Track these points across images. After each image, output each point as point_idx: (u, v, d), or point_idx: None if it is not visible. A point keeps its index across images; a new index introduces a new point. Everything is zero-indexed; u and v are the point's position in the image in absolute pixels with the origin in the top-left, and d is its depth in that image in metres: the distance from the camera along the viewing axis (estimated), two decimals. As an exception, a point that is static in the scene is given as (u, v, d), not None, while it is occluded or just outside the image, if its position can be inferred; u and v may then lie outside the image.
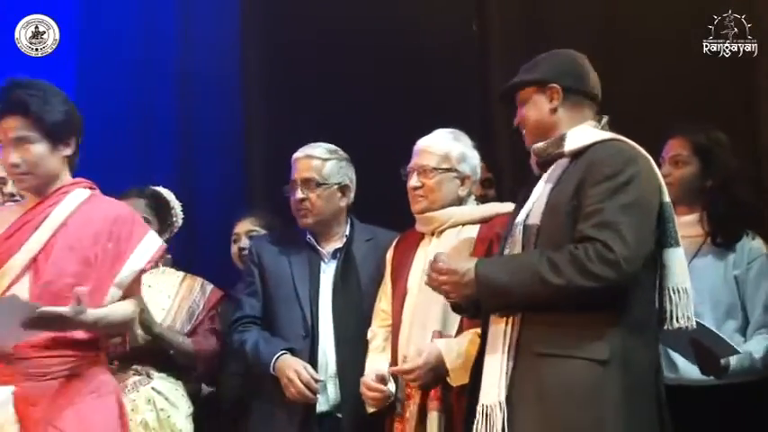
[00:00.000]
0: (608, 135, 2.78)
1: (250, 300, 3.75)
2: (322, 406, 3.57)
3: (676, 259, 2.67)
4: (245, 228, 4.30)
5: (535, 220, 2.77)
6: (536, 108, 2.87)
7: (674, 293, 2.64)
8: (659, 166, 3.43)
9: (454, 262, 2.77)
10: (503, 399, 2.66)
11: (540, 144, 2.86)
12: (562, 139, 2.81)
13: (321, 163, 3.74)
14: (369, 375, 3.42)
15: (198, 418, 3.85)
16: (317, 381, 3.51)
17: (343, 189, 3.77)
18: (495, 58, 4.65)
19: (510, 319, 2.72)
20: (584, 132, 2.79)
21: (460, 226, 3.40)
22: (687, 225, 3.48)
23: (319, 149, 3.77)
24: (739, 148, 4.01)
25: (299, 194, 3.71)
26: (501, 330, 2.73)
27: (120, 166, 4.90)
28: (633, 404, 2.57)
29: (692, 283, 3.22)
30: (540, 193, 2.80)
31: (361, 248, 3.74)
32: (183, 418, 3.73)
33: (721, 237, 3.50)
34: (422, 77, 4.72)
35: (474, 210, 3.45)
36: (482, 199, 3.62)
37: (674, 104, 4.31)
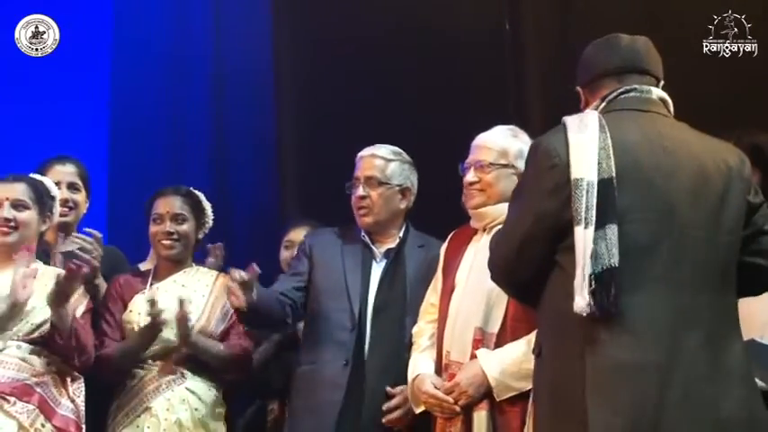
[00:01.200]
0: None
1: (287, 277, 3.77)
2: None
3: (575, 238, 2.49)
4: (301, 236, 4.22)
5: None
6: None
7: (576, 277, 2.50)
8: None
9: None
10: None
11: None
12: None
13: (385, 163, 3.76)
14: (426, 382, 3.36)
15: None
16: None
17: (404, 191, 3.79)
18: (529, 55, 4.60)
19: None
20: None
21: None
22: None
23: (384, 149, 3.80)
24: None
25: (361, 192, 3.73)
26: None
27: (152, 165, 4.91)
28: (557, 394, 2.53)
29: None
30: None
31: (413, 252, 3.75)
32: (216, 418, 3.72)
33: None
34: (457, 75, 4.67)
35: None
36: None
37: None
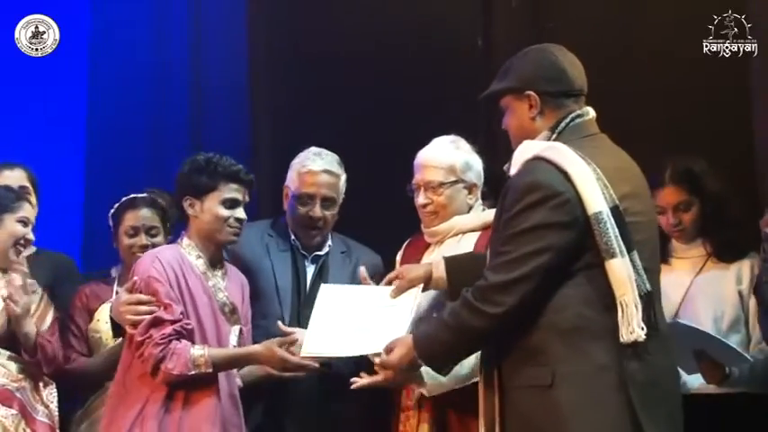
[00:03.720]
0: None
1: None
2: None
3: (611, 272, 2.50)
4: None
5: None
6: (516, 116, 2.74)
7: (618, 307, 2.50)
8: (658, 211, 3.38)
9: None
10: None
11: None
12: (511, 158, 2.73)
13: (337, 180, 3.73)
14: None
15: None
16: None
17: (340, 205, 3.79)
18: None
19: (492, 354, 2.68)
20: (524, 150, 2.67)
21: (461, 234, 3.39)
22: (689, 247, 3.59)
23: (336, 164, 3.73)
24: (738, 149, 4.03)
25: (318, 212, 3.68)
26: (491, 365, 2.69)
27: (132, 171, 4.87)
28: (589, 417, 2.49)
29: (697, 299, 3.34)
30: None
31: (335, 260, 3.76)
32: None
33: (726, 255, 3.53)
34: (429, 92, 4.67)
35: (476, 218, 3.41)
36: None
37: (674, 104, 4.30)
